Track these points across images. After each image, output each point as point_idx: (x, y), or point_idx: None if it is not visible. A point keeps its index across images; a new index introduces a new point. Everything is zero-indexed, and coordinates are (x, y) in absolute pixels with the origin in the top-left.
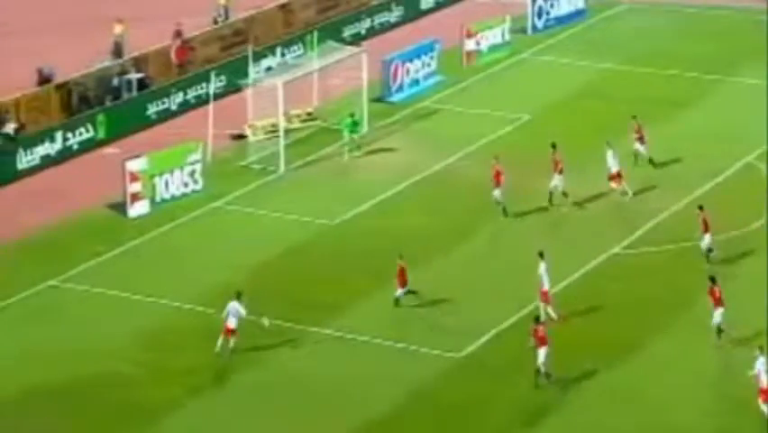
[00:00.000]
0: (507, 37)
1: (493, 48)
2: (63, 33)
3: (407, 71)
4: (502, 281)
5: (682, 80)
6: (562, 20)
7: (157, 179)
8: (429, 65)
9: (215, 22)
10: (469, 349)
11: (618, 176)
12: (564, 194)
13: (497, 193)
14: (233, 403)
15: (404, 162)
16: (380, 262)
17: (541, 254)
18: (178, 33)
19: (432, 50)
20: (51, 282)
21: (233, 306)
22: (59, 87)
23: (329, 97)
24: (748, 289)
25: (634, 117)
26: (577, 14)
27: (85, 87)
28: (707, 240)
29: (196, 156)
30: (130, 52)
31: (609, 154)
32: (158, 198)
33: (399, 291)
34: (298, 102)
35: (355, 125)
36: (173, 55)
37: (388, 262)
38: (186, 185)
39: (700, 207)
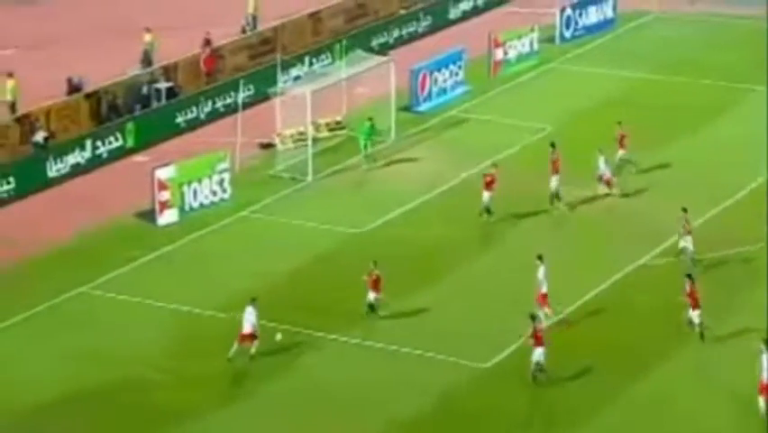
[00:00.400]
0: (536, 47)
1: (521, 57)
2: (93, 43)
3: (435, 81)
4: (527, 292)
5: (712, 89)
6: (590, 29)
7: (186, 188)
8: (456, 74)
9: (244, 31)
10: (494, 359)
11: (608, 182)
12: (557, 196)
13: (486, 197)
14: (256, 410)
15: (431, 172)
16: (406, 272)
17: (540, 258)
18: (207, 42)
19: (459, 59)
20: (81, 289)
21: (249, 311)
22: (89, 95)
23: (356, 106)
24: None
25: (619, 123)
26: (605, 24)
27: (114, 95)
28: (686, 241)
29: (225, 165)
30: (159, 61)
31: (601, 160)
32: (186, 207)
33: (372, 296)
34: (326, 111)
35: (372, 131)
36: (202, 64)
37: (413, 272)
38: (214, 193)
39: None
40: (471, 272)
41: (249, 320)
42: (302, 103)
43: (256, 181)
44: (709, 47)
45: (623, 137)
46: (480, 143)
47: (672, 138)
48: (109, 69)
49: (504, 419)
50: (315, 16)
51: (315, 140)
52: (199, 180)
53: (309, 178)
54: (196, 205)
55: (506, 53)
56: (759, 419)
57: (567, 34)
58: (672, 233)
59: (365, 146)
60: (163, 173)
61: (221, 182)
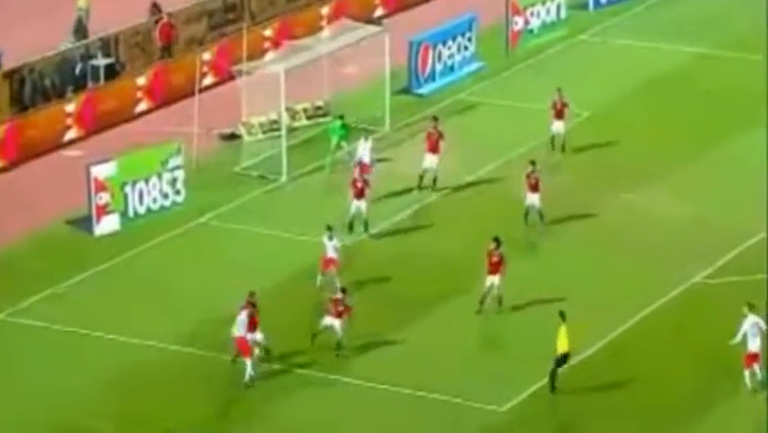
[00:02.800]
0: (564, 14)
1: (546, 27)
2: (12, 8)
3: (439, 56)
4: (552, 320)
5: None
6: None
7: (129, 189)
8: (467, 48)
9: None
10: (513, 402)
11: None
12: (541, 215)
13: (534, 199)
14: None
15: (433, 170)
16: (405, 295)
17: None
18: (155, 7)
19: (470, 29)
20: None
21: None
22: (8, 74)
23: (343, 88)
24: None
25: (559, 90)
26: None
27: (41, 74)
28: (532, 199)
29: (178, 160)
30: (96, 32)
31: None
32: (130, 212)
33: (330, 323)
34: (305, 94)
35: (345, 131)
36: (156, 34)
37: (408, 295)
38: (165, 196)
39: (533, 163)
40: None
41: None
42: (274, 84)
43: (217, 181)
44: None
45: (561, 104)
46: (496, 134)
47: (732, 129)
48: (33, 40)
49: None
50: None
51: (290, 130)
52: (146, 180)
53: (283, 177)
54: (141, 210)
55: (527, 22)
56: None
57: None
58: (726, 247)
59: (335, 149)
60: (101, 171)
61: (173, 182)
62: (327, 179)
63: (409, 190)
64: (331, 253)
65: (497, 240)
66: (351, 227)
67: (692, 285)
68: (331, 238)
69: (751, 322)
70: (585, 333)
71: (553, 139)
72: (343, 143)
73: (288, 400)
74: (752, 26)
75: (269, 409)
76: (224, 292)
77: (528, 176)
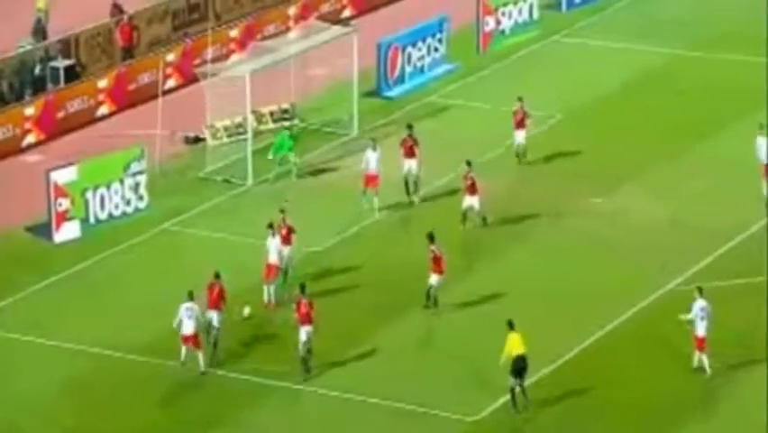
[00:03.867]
0: (536, 14)
1: (518, 28)
2: None
3: (409, 58)
4: (527, 327)
5: (760, 67)
6: None
7: (90, 195)
8: (437, 49)
9: None
10: (483, 412)
11: None
12: (484, 218)
13: (473, 201)
14: None
15: (402, 175)
16: (377, 302)
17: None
18: (118, 8)
19: (440, 29)
20: None
21: (186, 307)
22: None
23: (310, 91)
24: None
25: (520, 99)
26: None
27: None
28: (471, 201)
29: (141, 165)
30: (56, 33)
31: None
32: (91, 219)
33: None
34: (271, 96)
35: (292, 142)
36: (118, 35)
37: (389, 303)
38: (127, 202)
39: (468, 163)
40: (454, 303)
41: (188, 317)
42: (240, 86)
43: (181, 186)
44: (756, 13)
45: (523, 114)
46: (467, 137)
47: (707, 129)
48: None
49: None
50: None
51: (256, 133)
52: (108, 185)
53: (249, 181)
54: (103, 216)
55: (499, 23)
56: None
57: None
58: (712, 248)
59: (280, 162)
60: (61, 176)
61: (136, 187)
62: (293, 184)
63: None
64: (273, 259)
65: (430, 236)
66: None
67: (668, 291)
68: (274, 235)
69: (700, 306)
70: (559, 339)
71: (519, 150)
72: (291, 156)
73: (253, 409)
74: (725, 26)
75: (234, 418)
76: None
77: (465, 177)
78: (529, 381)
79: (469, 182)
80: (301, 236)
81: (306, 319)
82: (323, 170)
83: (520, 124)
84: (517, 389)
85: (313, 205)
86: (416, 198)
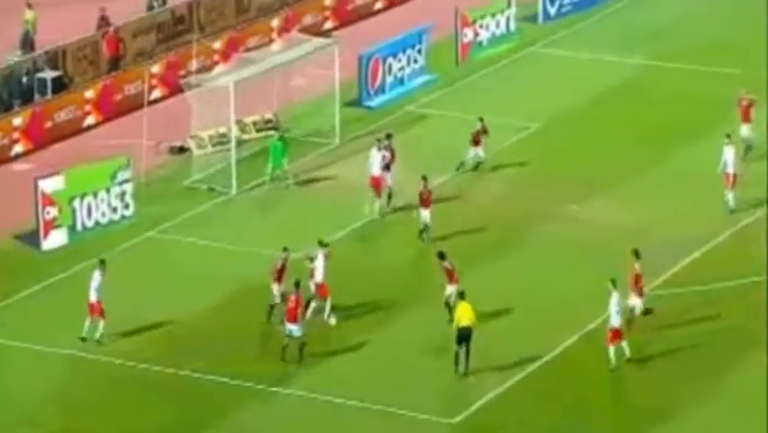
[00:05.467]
0: (513, 26)
1: (495, 39)
2: None
3: (390, 68)
4: (502, 332)
5: (731, 79)
6: (580, 4)
7: (77, 203)
8: (416, 61)
9: (151, 7)
10: (462, 414)
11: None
12: (423, 230)
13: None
14: None
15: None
16: (355, 306)
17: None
18: (104, 20)
19: (420, 41)
20: None
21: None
22: None
23: (293, 101)
24: None
25: (480, 120)
26: None
27: None
28: (424, 215)
29: (127, 174)
30: (43, 45)
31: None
32: (78, 226)
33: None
34: (255, 107)
35: (286, 149)
36: (105, 46)
37: (360, 307)
38: (113, 209)
39: (424, 178)
40: (432, 309)
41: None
42: (223, 97)
43: (166, 194)
44: (730, 25)
45: (482, 130)
46: (446, 146)
47: (679, 140)
48: None
49: None
50: None
51: (239, 143)
52: (94, 193)
53: (233, 189)
54: (90, 224)
55: (476, 34)
56: None
57: (552, 11)
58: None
59: (273, 168)
60: (49, 185)
61: (122, 195)
62: (278, 193)
63: (359, 203)
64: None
65: (440, 254)
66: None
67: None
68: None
69: (615, 299)
70: (534, 343)
71: (463, 164)
72: (284, 162)
73: (237, 411)
74: (696, 38)
75: (219, 421)
76: (173, 305)
77: (421, 193)
78: (510, 381)
79: (425, 196)
80: (286, 242)
81: (293, 317)
82: (309, 180)
83: (477, 142)
84: (462, 354)
85: (297, 211)
86: (386, 209)
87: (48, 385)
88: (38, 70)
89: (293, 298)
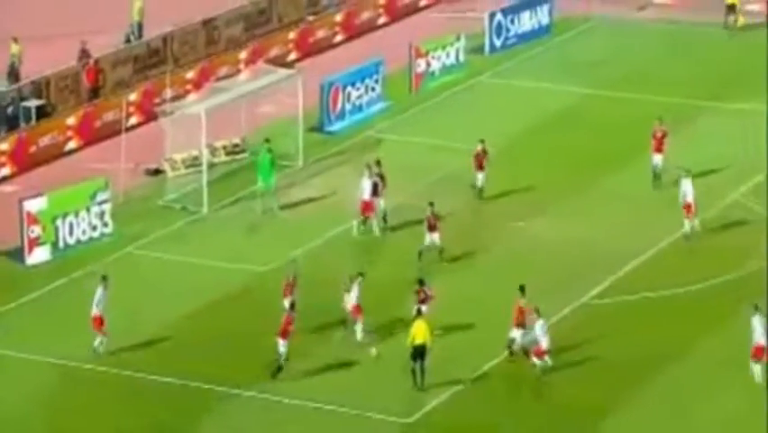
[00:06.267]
0: (462, 57)
1: (446, 70)
2: None
3: (349, 96)
4: (455, 338)
5: (661, 106)
6: (523, 38)
7: (59, 222)
8: (374, 89)
9: (128, 40)
10: (418, 414)
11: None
12: (441, 251)
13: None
14: None
15: (344, 201)
16: (314, 316)
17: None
18: (85, 53)
19: (377, 71)
20: None
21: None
22: None
23: (259, 127)
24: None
25: (482, 142)
26: (541, 32)
27: None
28: (433, 238)
29: (106, 195)
30: (27, 75)
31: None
32: (60, 244)
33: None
34: (224, 132)
35: (271, 156)
36: (84, 77)
37: (322, 316)
38: (93, 228)
39: (431, 204)
40: (388, 318)
41: (98, 304)
42: (195, 123)
43: (143, 213)
44: (659, 57)
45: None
46: (401, 168)
47: (614, 161)
48: None
49: None
50: (209, 24)
51: (210, 165)
52: (76, 213)
53: (204, 209)
54: (71, 241)
55: (429, 65)
56: None
57: (498, 43)
58: (613, 268)
59: (267, 184)
60: (33, 205)
61: (101, 215)
62: (245, 211)
63: (321, 222)
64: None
65: (420, 281)
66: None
67: (581, 305)
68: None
69: (540, 324)
70: (482, 352)
71: (474, 186)
72: (273, 180)
73: (207, 417)
74: (628, 68)
75: (190, 428)
76: (149, 316)
77: (428, 218)
78: (455, 388)
79: (432, 221)
80: (253, 257)
81: (285, 333)
82: (287, 205)
83: (480, 166)
84: (417, 369)
85: (263, 228)
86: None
87: (31, 391)
88: (23, 99)
89: (286, 316)
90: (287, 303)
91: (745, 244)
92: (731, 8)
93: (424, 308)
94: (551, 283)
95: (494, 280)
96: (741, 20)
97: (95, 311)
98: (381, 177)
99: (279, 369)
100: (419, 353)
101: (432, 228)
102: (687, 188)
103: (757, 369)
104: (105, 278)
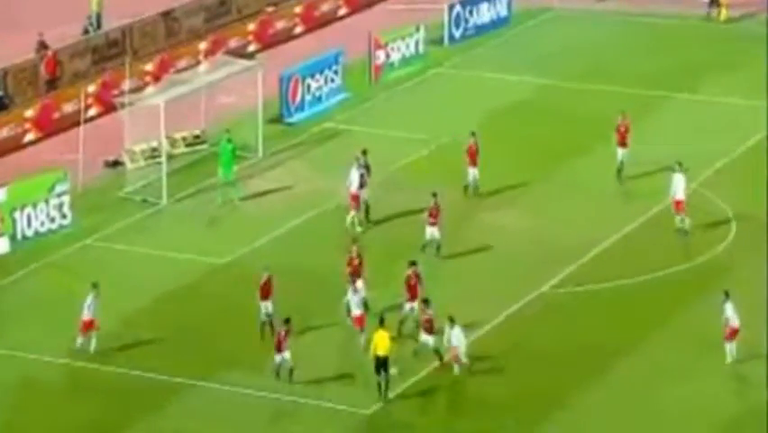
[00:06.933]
0: (422, 48)
1: (405, 61)
2: None
3: (308, 87)
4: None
5: (621, 97)
6: (482, 29)
7: (18, 213)
8: (333, 80)
9: (86, 31)
10: (376, 405)
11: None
12: (427, 245)
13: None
14: None
15: (304, 192)
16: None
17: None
18: (43, 45)
19: (336, 62)
20: None
21: (91, 300)
22: None
23: (219, 118)
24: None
25: (473, 134)
26: (499, 23)
27: None
28: (432, 232)
29: (64, 186)
30: None
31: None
32: (19, 235)
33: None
34: (183, 123)
35: (233, 150)
36: (43, 68)
37: (283, 306)
38: (52, 219)
39: (435, 195)
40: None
41: (89, 307)
42: (155, 114)
43: (102, 205)
44: (621, 49)
45: (474, 153)
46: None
47: (575, 152)
48: None
49: None
50: (169, 15)
51: (170, 157)
52: (34, 204)
53: (164, 200)
54: (30, 233)
55: (388, 56)
56: None
57: (457, 34)
58: (570, 258)
59: (226, 174)
60: None
61: (60, 206)
62: (206, 203)
63: (281, 213)
64: (356, 310)
65: (413, 263)
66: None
67: (539, 294)
68: (355, 292)
69: (455, 333)
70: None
71: (467, 185)
72: (233, 170)
73: (168, 408)
74: (589, 60)
75: (150, 420)
76: (108, 308)
77: (430, 209)
78: (418, 375)
79: (433, 212)
80: (214, 249)
81: (279, 346)
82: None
83: (473, 161)
84: (382, 381)
85: (223, 220)
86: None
87: None
88: None
89: (282, 331)
90: (265, 308)
91: (703, 234)
92: (714, 1)
93: (408, 306)
94: (510, 272)
95: (454, 269)
96: (724, 13)
97: (85, 315)
98: (367, 168)
99: (291, 372)
100: (382, 364)
101: (434, 222)
102: (678, 184)
103: (731, 347)
104: (95, 285)
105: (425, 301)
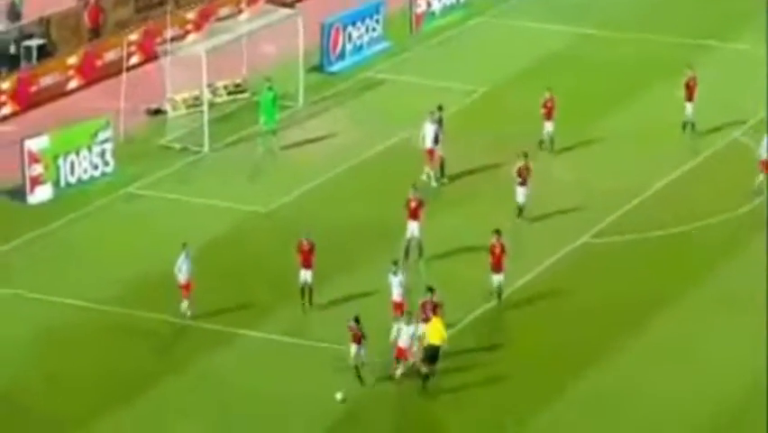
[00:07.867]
0: None
1: (447, 9)
2: None
3: (349, 37)
4: (450, 284)
5: (668, 47)
6: None
7: (61, 161)
8: (374, 29)
9: None
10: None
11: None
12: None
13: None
14: (153, 413)
15: (345, 142)
16: (317, 256)
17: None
18: None
19: (377, 12)
20: None
21: (181, 260)
22: None
23: (260, 67)
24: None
25: (549, 90)
26: None
27: None
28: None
29: (107, 134)
30: (29, 15)
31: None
32: (62, 182)
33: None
34: (225, 72)
35: (275, 99)
36: (86, 16)
37: (325, 256)
38: (95, 167)
39: (525, 155)
40: (393, 256)
41: (182, 270)
42: (196, 63)
43: (144, 153)
44: None
45: (551, 108)
46: (401, 109)
47: (614, 102)
48: None
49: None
50: None
51: (211, 105)
52: (77, 152)
53: (205, 148)
54: (73, 180)
55: (429, 5)
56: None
57: None
58: (614, 207)
59: (267, 122)
60: (34, 144)
61: (102, 154)
62: (247, 151)
63: (318, 161)
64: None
65: (497, 231)
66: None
67: (581, 244)
68: (396, 273)
69: (406, 330)
70: (479, 291)
71: (543, 141)
72: (276, 117)
73: (210, 355)
74: (631, 9)
75: (193, 363)
76: (150, 255)
77: (519, 169)
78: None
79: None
80: (254, 197)
81: (356, 338)
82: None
83: (548, 115)
84: (424, 370)
85: (263, 168)
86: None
87: (32, 329)
88: (24, 39)
89: (352, 325)
90: (305, 276)
91: (743, 183)
92: None
93: (421, 328)
94: (549, 223)
95: (490, 220)
96: None
97: (180, 279)
98: (440, 123)
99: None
100: (433, 354)
101: (523, 182)
102: (765, 144)
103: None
104: (185, 245)
105: (430, 290)
